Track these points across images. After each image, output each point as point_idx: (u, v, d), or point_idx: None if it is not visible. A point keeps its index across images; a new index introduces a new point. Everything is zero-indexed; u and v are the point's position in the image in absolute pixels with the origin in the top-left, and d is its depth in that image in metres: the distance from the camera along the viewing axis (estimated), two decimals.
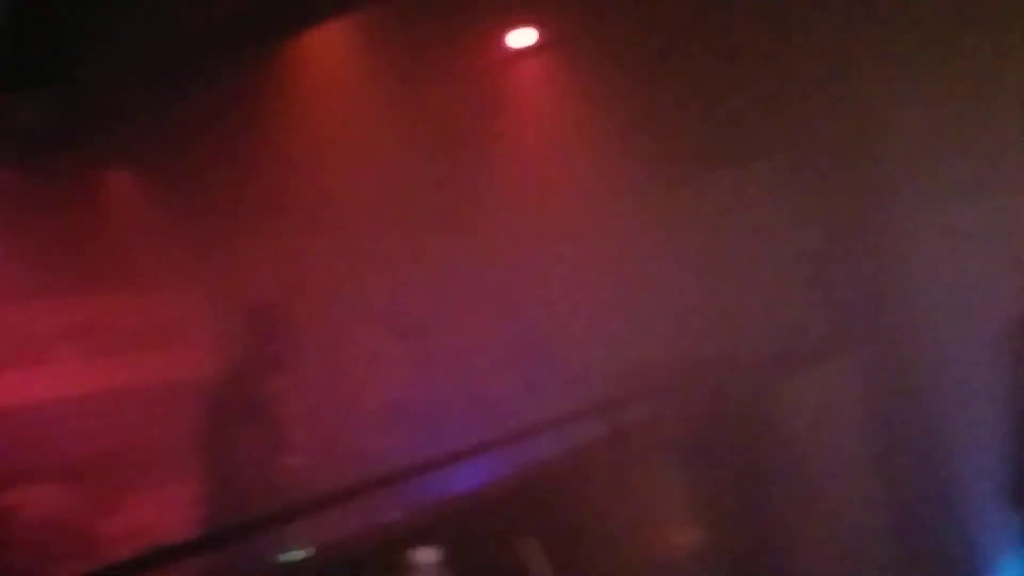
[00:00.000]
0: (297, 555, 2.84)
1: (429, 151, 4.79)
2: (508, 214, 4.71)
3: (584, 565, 2.06)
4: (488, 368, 4.53)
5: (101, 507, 5.54)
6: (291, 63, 4.60)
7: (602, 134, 4.29)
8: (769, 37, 3.81)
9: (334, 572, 2.15)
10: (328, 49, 4.50)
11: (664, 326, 4.02)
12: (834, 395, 3.64)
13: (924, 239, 3.75)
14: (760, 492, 3.19)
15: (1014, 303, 2.90)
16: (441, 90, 4.78)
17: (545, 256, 4.61)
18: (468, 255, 4.83)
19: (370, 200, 4.90)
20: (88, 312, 6.22)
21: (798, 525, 3.26)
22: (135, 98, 4.33)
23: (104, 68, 3.76)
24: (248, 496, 3.34)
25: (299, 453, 3.55)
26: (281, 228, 5.53)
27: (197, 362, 6.48)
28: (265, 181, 5.10)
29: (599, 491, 2.63)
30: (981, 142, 3.66)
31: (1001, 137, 3.60)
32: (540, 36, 4.75)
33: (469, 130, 4.87)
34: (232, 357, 3.63)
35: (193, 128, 4.90)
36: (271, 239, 5.64)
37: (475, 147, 4.85)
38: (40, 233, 5.40)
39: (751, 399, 3.30)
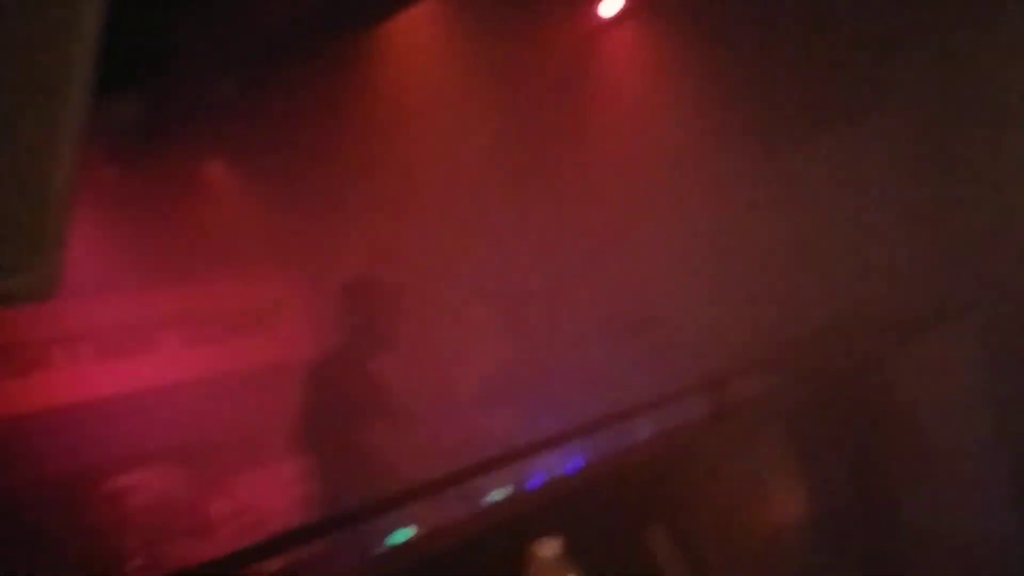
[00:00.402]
0: (405, 535, 2.84)
1: (523, 123, 4.74)
2: (608, 186, 4.62)
3: (698, 547, 1.99)
4: (591, 344, 4.47)
5: (208, 488, 5.68)
6: (381, 43, 4.58)
7: (700, 103, 4.17)
8: None
9: (446, 556, 2.13)
10: (417, 26, 4.46)
11: (772, 297, 3.89)
12: (955, 360, 3.47)
13: None
14: (875, 465, 3.07)
15: None
16: (534, 61, 4.71)
17: (646, 229, 4.50)
18: (566, 228, 4.76)
19: (464, 175, 4.87)
20: (188, 301, 6.38)
21: (914, 499, 3.13)
22: (227, 89, 4.38)
23: (196, 60, 3.81)
24: (357, 477, 3.32)
25: (405, 432, 3.51)
26: (376, 207, 5.55)
27: (297, 343, 6.63)
28: (359, 162, 5.10)
29: (709, 470, 2.56)
30: None
31: None
32: (632, 4, 4.64)
33: (564, 100, 4.79)
34: (338, 335, 3.58)
35: (285, 115, 4.95)
36: (366, 219, 5.67)
37: (570, 117, 4.76)
38: (139, 227, 5.54)
39: (865, 368, 3.17)
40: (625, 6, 4.69)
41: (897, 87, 3.70)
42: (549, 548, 1.56)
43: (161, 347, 6.26)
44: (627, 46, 4.76)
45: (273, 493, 5.48)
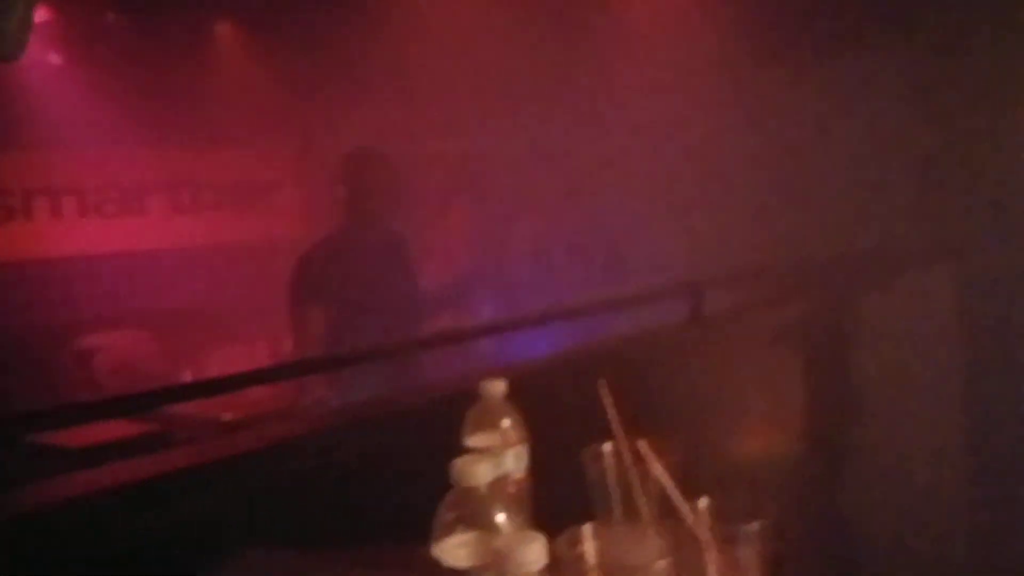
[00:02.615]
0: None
1: (540, 23, 4.64)
2: (614, 99, 4.54)
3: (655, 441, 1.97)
4: (567, 245, 4.45)
5: (177, 359, 5.66)
6: None
7: (714, 15, 4.07)
8: None
9: (409, 409, 2.15)
10: None
11: (757, 217, 3.87)
12: (930, 304, 3.47)
13: None
14: (845, 397, 3.08)
15: None
16: None
17: (643, 139, 4.44)
18: (564, 135, 4.70)
19: (474, 66, 4.78)
20: (182, 166, 6.30)
21: (884, 437, 3.15)
22: None
23: None
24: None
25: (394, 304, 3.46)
26: (384, 91, 5.46)
27: (288, 223, 6.59)
28: (373, 43, 5.00)
29: (678, 372, 2.56)
30: None
31: None
32: None
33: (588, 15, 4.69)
34: (332, 208, 3.51)
35: None
36: (372, 102, 5.57)
37: (585, 26, 4.66)
38: (140, 82, 5.44)
39: (841, 300, 3.17)
40: None
41: (910, 25, 3.62)
42: (495, 386, 1.56)
43: (147, 211, 6.20)
44: None
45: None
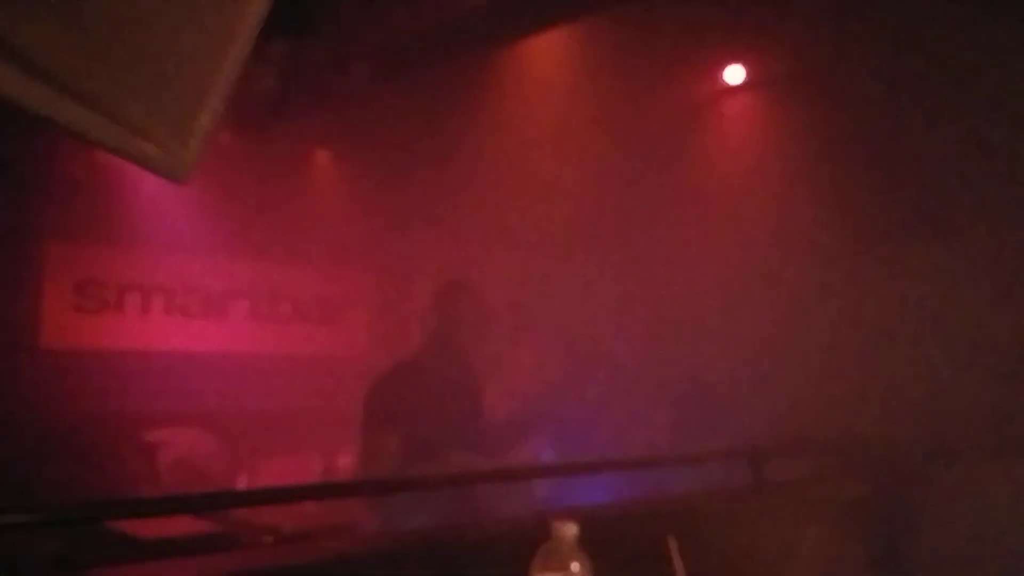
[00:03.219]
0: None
1: (629, 172, 4.82)
2: (696, 251, 4.66)
3: None
4: (641, 395, 4.48)
5: (236, 463, 5.76)
6: (509, 66, 4.71)
7: (807, 183, 4.21)
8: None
9: (473, 541, 2.19)
10: (546, 55, 4.58)
11: (832, 392, 3.88)
12: (998, 503, 3.42)
13: None
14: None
15: None
16: (653, 112, 4.81)
17: (726, 299, 4.53)
18: (645, 280, 4.81)
19: (559, 211, 4.95)
20: (264, 277, 6.56)
21: None
22: (357, 79, 4.54)
23: (334, 42, 3.98)
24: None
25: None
26: (467, 227, 5.66)
27: (357, 341, 6.77)
28: (461, 178, 5.22)
29: (738, 535, 2.57)
30: None
31: None
32: (756, 75, 4.73)
33: (674, 158, 4.86)
34: (418, 337, 3.57)
35: (404, 120, 5.10)
36: (455, 236, 5.78)
37: (676, 176, 4.83)
38: (237, 196, 5.73)
39: (909, 484, 3.15)
40: (749, 76, 4.77)
41: (995, 207, 3.70)
42: (568, 528, 1.61)
43: (227, 315, 6.43)
44: (746, 116, 4.83)
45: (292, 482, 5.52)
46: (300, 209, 6.24)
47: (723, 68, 4.79)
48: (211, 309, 6.37)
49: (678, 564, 1.37)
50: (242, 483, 5.66)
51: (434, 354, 3.47)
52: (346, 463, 5.00)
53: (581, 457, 3.59)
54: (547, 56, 4.59)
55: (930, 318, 3.78)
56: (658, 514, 2.51)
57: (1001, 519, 3.36)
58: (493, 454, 3.62)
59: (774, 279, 4.29)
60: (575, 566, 1.57)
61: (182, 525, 3.41)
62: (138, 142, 1.32)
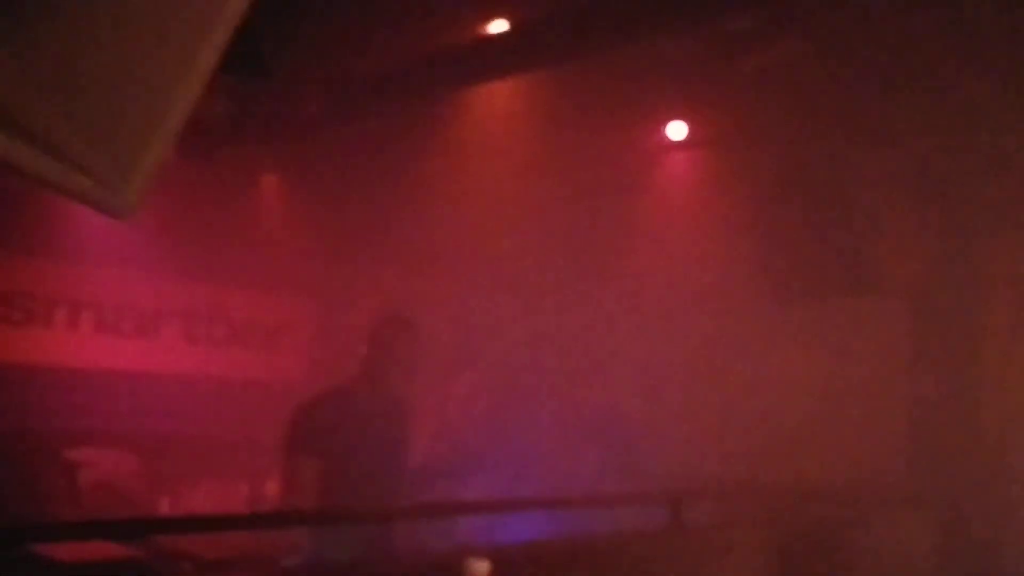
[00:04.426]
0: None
1: (573, 217, 4.95)
2: (633, 297, 4.79)
3: None
4: (563, 431, 4.56)
5: (159, 486, 5.67)
6: (464, 107, 4.80)
7: (732, 239, 4.38)
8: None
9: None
10: (500, 100, 4.68)
11: (744, 437, 4.01)
12: (905, 548, 3.55)
13: None
14: None
15: None
16: (595, 163, 4.95)
17: (648, 342, 4.66)
18: (577, 323, 4.91)
19: (504, 251, 5.05)
20: (201, 298, 6.49)
21: None
22: (311, 110, 4.59)
23: (292, 74, 4.03)
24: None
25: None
26: (409, 260, 5.71)
27: (292, 367, 6.72)
28: (408, 214, 5.29)
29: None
30: None
31: None
32: (698, 132, 4.90)
33: (617, 206, 5.01)
34: (353, 367, 3.59)
35: (354, 153, 5.16)
36: (397, 268, 5.82)
37: (618, 223, 4.97)
38: (180, 217, 5.68)
39: (820, 530, 3.26)
40: (691, 134, 4.95)
41: (913, 275, 3.88)
42: (480, 567, 1.67)
43: (161, 336, 6.35)
44: (686, 171, 5.01)
45: (217, 508, 5.45)
46: (244, 233, 6.20)
47: (666, 124, 4.96)
48: (144, 328, 6.27)
49: None
50: (166, 507, 5.57)
51: (364, 386, 3.49)
52: (274, 490, 4.97)
53: (504, 496, 3.63)
54: (497, 103, 4.69)
55: (844, 372, 3.93)
56: (570, 555, 2.56)
57: (907, 560, 3.50)
58: (417, 489, 3.65)
59: (696, 328, 4.43)
60: None
61: (102, 549, 3.36)
62: (76, 177, 1.30)
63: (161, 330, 6.34)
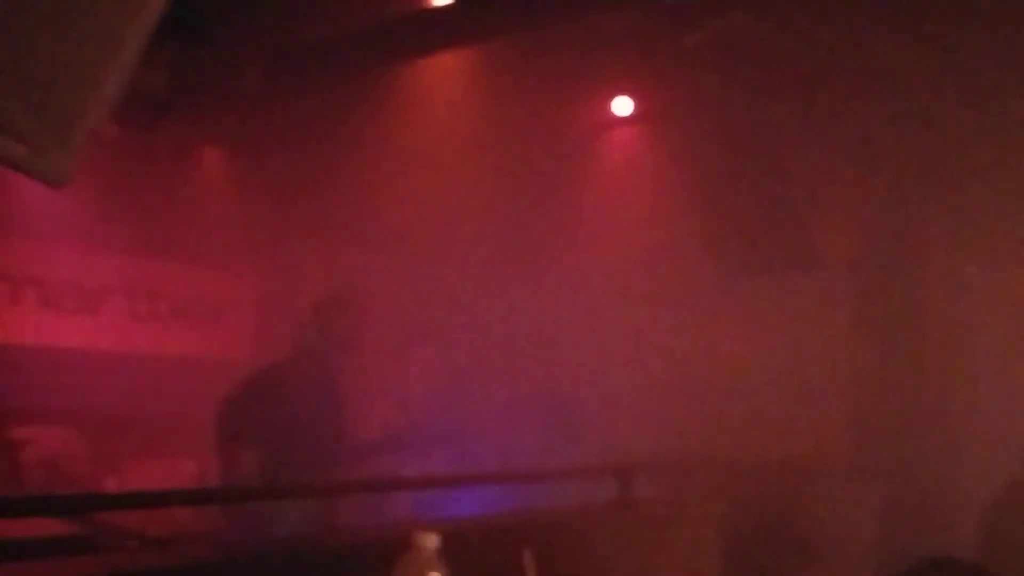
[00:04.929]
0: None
1: (518, 192, 4.95)
2: (581, 271, 4.83)
3: None
4: (511, 406, 4.58)
5: (103, 464, 5.60)
6: (408, 80, 4.79)
7: (678, 214, 4.42)
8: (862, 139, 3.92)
9: (336, 550, 2.21)
10: (446, 73, 4.68)
11: (693, 412, 4.07)
12: (852, 520, 3.64)
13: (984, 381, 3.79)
14: None
15: None
16: (540, 138, 4.95)
17: (596, 317, 4.69)
18: (523, 298, 4.93)
19: (448, 227, 5.04)
20: (143, 274, 6.40)
21: None
22: (251, 81, 4.52)
23: (230, 43, 3.96)
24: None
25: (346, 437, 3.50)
26: (352, 235, 5.67)
27: (234, 343, 6.65)
28: (352, 187, 5.25)
29: (603, 550, 2.66)
30: None
31: None
32: (642, 108, 4.93)
33: (561, 182, 5.03)
34: (290, 343, 3.57)
35: (297, 126, 5.10)
36: (339, 244, 5.78)
37: (563, 199, 5.00)
38: (121, 191, 5.59)
39: (765, 501, 3.32)
40: (636, 109, 4.99)
41: (859, 252, 3.96)
42: (428, 539, 1.66)
43: (102, 312, 6.25)
44: (631, 146, 5.06)
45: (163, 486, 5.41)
46: (186, 208, 6.11)
47: (611, 99, 4.98)
48: (87, 304, 6.17)
49: (531, 573, 1.45)
50: (110, 486, 5.50)
51: (301, 364, 3.49)
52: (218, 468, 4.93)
53: (452, 470, 3.65)
54: (444, 75, 4.67)
55: (789, 347, 4.00)
56: (519, 528, 2.58)
57: (851, 528, 3.59)
58: (354, 466, 3.65)
59: (643, 303, 4.48)
60: (433, 575, 1.62)
61: (44, 526, 3.32)
62: (8, 143, 1.29)
63: (104, 306, 6.24)
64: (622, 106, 5.03)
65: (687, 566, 2.99)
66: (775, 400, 3.94)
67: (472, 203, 4.95)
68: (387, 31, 4.20)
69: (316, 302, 3.61)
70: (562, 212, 4.99)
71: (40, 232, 5.64)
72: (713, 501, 3.26)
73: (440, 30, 4.15)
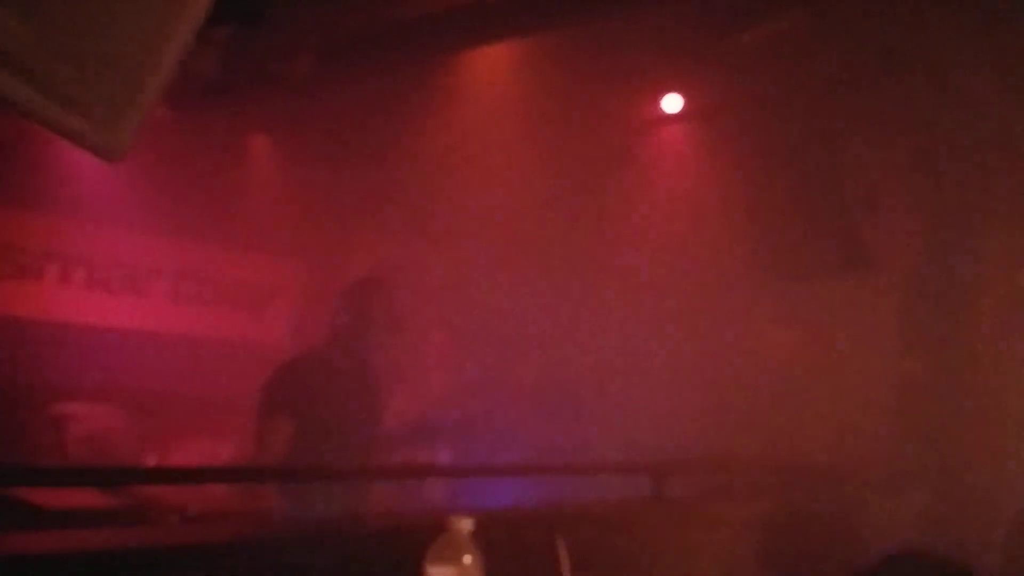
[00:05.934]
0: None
1: (567, 187, 4.95)
2: (626, 269, 4.81)
3: None
4: (549, 400, 4.58)
5: (145, 442, 5.68)
6: (460, 71, 4.80)
7: (725, 213, 4.39)
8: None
9: (372, 531, 2.24)
10: (498, 66, 4.68)
11: (730, 413, 4.04)
12: (889, 525, 3.59)
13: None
14: None
15: None
16: (587, 133, 4.95)
17: (640, 316, 4.68)
18: (568, 294, 4.93)
19: (495, 221, 5.05)
20: (191, 258, 6.49)
21: None
22: (303, 68, 4.55)
23: (282, 30, 4.00)
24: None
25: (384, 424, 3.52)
26: (400, 224, 5.70)
27: (278, 329, 6.73)
28: (402, 177, 5.27)
29: (634, 546, 2.66)
30: None
31: None
32: (693, 105, 4.91)
33: (610, 178, 5.02)
34: (327, 329, 3.60)
35: (346, 114, 5.14)
36: (388, 233, 5.81)
37: (611, 194, 4.99)
38: (171, 175, 5.67)
39: (808, 506, 3.29)
40: (686, 106, 4.96)
41: (903, 258, 3.90)
42: (463, 522, 1.67)
43: (149, 294, 6.35)
44: (680, 144, 5.05)
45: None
46: (234, 192, 6.19)
47: (661, 96, 4.96)
48: (133, 285, 6.27)
49: (564, 561, 1.45)
50: (151, 463, 5.58)
51: (338, 348, 3.50)
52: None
53: (482, 462, 3.66)
54: (494, 67, 4.67)
55: (828, 351, 3.95)
56: (551, 517, 2.58)
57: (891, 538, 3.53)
58: (389, 452, 3.67)
59: (683, 303, 4.45)
60: (468, 558, 1.64)
61: (88, 498, 3.38)
62: (71, 117, 1.32)
63: (150, 288, 6.34)
64: (672, 103, 5.02)
65: (719, 567, 2.98)
66: (819, 403, 3.90)
67: (518, 196, 4.95)
68: (439, 22, 4.20)
69: (350, 283, 3.62)
70: (606, 207, 4.97)
71: (89, 212, 5.74)
72: (748, 503, 3.23)
73: (491, 23, 4.15)
